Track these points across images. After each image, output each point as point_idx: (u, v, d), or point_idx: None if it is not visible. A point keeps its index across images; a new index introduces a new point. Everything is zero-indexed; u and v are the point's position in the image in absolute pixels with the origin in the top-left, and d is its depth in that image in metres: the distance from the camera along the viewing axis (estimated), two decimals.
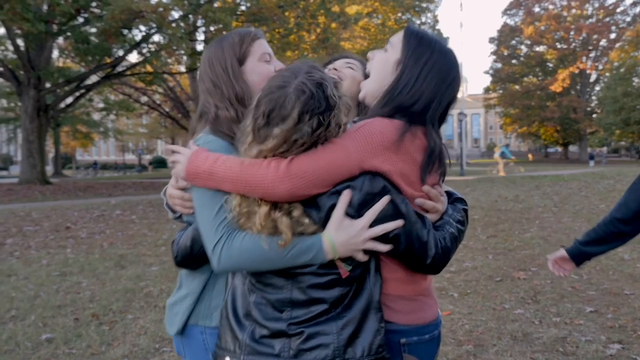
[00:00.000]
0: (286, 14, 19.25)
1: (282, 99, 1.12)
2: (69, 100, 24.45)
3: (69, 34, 17.63)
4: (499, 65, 55.60)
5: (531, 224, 8.55)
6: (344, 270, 1.17)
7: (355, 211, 1.17)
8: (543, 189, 14.34)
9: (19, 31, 16.40)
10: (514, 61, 55.25)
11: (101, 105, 34.94)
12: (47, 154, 43.22)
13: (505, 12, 55.12)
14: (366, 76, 1.42)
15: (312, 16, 20.02)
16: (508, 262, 5.88)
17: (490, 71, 56.26)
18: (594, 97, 54.51)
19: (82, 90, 22.86)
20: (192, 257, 1.35)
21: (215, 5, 18.38)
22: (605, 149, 71.24)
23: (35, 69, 19.09)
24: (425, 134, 1.27)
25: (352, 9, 33.47)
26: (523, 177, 19.97)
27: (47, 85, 20.96)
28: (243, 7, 19.56)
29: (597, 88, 54.44)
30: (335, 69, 1.65)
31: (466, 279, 5.21)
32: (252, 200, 1.17)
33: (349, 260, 1.18)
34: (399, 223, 1.17)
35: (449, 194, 1.41)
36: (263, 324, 1.18)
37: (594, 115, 51.79)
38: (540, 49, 53.42)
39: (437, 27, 45.32)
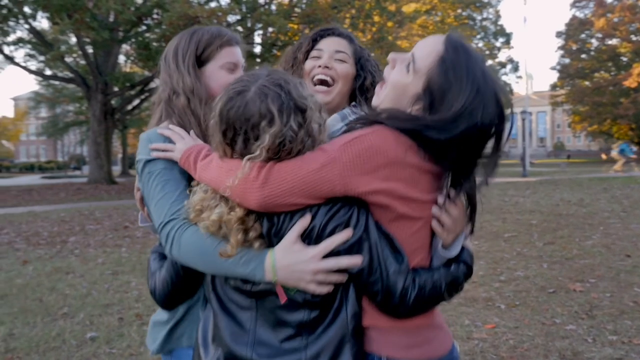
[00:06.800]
0: (340, 14, 19.19)
1: (244, 104, 1.05)
2: (135, 102, 25.65)
3: (132, 40, 18.48)
4: (567, 60, 52.82)
5: (594, 230, 8.01)
6: (282, 295, 1.08)
7: (313, 240, 1.07)
8: (612, 192, 13.45)
9: (87, 39, 17.35)
10: (583, 56, 52.30)
11: None
12: (116, 154, 45.64)
13: (574, 5, 52.33)
14: (360, 69, 1.29)
15: (366, 16, 19.84)
16: (564, 272, 5.51)
17: (557, 67, 53.56)
18: None
19: (147, 94, 23.92)
20: (177, 292, 1.29)
21: (273, 8, 18.65)
22: None
23: (103, 75, 20.17)
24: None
25: (410, 7, 32.93)
26: (590, 179, 18.85)
27: (115, 89, 22.10)
28: (298, 10, 19.68)
29: None
30: (327, 67, 1.51)
31: (516, 289, 4.92)
32: (217, 196, 1.11)
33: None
34: (356, 261, 1.06)
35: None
36: (229, 347, 1.12)
37: None
38: (613, 42, 50.25)
39: (499, 23, 43.86)
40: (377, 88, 1.27)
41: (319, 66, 1.51)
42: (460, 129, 1.08)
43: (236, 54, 1.43)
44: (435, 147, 1.10)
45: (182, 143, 1.28)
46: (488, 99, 1.11)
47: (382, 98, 1.22)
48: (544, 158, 64.74)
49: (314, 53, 1.56)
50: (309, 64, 1.55)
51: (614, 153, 25.24)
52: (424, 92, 1.14)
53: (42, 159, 70.00)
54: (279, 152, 1.05)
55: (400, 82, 1.18)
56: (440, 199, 1.16)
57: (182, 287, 1.27)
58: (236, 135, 1.07)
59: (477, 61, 1.14)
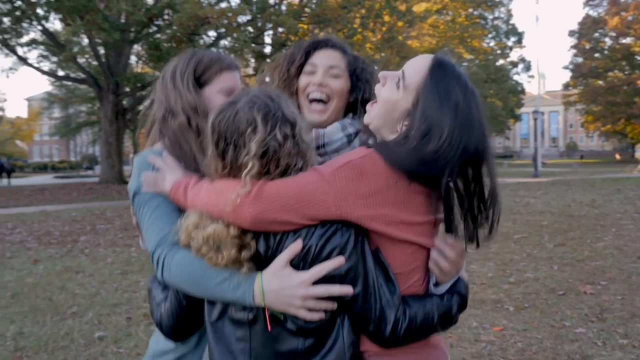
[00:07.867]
0: (350, 14, 19.15)
1: (234, 113, 1.06)
2: (146, 103, 25.86)
3: (143, 41, 18.64)
4: (580, 59, 52.26)
5: (606, 232, 7.91)
6: (269, 323, 1.07)
7: (308, 263, 1.05)
8: (625, 193, 13.28)
9: (99, 40, 17.52)
10: (596, 55, 51.71)
11: None
12: (128, 154, 46.00)
13: (587, 3, 51.77)
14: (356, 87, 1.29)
15: (377, 15, 19.78)
16: (575, 274, 5.45)
17: (570, 66, 53.02)
18: None
19: None
20: (182, 323, 1.26)
21: (283, 8, 18.66)
22: None
23: (114, 75, 20.36)
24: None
25: (420, 6, 32.80)
26: (603, 179, 18.62)
27: (126, 89, 22.28)
28: (308, 10, 19.68)
29: None
30: (321, 84, 1.48)
31: (525, 291, 4.88)
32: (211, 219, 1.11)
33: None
34: (347, 290, 1.05)
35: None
36: None
37: None
38: (627, 40, 49.59)
39: (511, 22, 43.51)
40: (368, 106, 1.28)
41: (314, 84, 1.49)
42: (447, 156, 1.08)
43: (235, 78, 1.42)
44: (426, 177, 1.11)
45: (172, 175, 1.28)
46: (470, 118, 1.11)
47: (372, 115, 1.24)
48: (556, 158, 64.23)
49: (307, 68, 1.52)
50: (303, 80, 1.52)
51: (639, 153, 24.94)
52: (414, 108, 1.14)
53: (55, 158, 70.74)
54: (267, 165, 1.05)
55: (390, 99, 1.19)
56: (437, 241, 1.17)
57: (187, 318, 1.25)
58: (227, 146, 1.07)
59: (459, 79, 1.14)
